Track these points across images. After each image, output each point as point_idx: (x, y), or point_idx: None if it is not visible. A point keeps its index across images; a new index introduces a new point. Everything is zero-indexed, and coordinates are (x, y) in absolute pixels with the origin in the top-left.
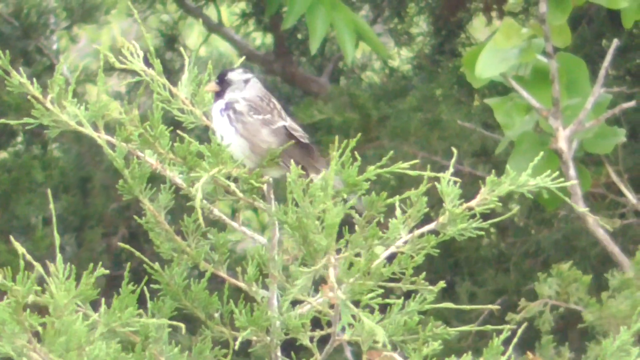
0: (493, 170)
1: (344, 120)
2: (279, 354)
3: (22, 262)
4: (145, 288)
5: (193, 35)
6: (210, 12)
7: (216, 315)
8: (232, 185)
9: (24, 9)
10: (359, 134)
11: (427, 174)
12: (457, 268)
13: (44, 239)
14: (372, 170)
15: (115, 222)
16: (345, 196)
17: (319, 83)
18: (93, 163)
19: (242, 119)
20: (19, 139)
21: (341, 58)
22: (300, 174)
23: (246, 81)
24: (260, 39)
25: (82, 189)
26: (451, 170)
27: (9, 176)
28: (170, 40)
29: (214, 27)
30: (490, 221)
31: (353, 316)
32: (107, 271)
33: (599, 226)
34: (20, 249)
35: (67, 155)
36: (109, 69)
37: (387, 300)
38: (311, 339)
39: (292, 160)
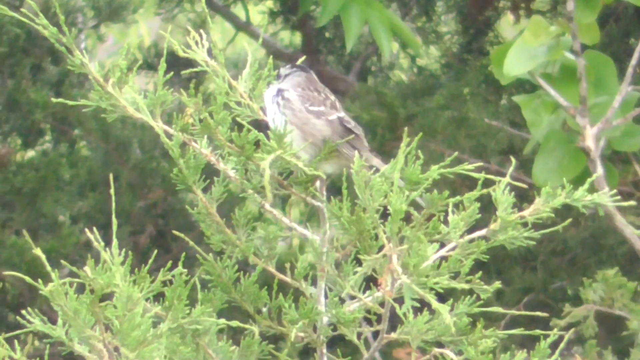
0: (521, 170)
1: (372, 118)
2: (324, 350)
3: (104, 254)
4: (197, 280)
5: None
6: (238, 10)
7: (264, 309)
8: (299, 164)
9: (52, 7)
10: (420, 134)
11: (483, 176)
12: (484, 266)
13: (70, 236)
14: (435, 170)
15: (142, 221)
16: (407, 192)
17: (347, 81)
18: (120, 161)
19: (290, 105)
20: (47, 137)
21: (369, 56)
22: (363, 165)
23: (289, 75)
24: (288, 38)
25: (109, 187)
26: (507, 179)
27: (36, 174)
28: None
29: (242, 26)
30: (542, 231)
31: (404, 314)
32: (185, 270)
33: (626, 224)
34: (98, 240)
35: (94, 154)
36: (138, 67)
37: (453, 284)
38: (358, 336)
39: (356, 152)
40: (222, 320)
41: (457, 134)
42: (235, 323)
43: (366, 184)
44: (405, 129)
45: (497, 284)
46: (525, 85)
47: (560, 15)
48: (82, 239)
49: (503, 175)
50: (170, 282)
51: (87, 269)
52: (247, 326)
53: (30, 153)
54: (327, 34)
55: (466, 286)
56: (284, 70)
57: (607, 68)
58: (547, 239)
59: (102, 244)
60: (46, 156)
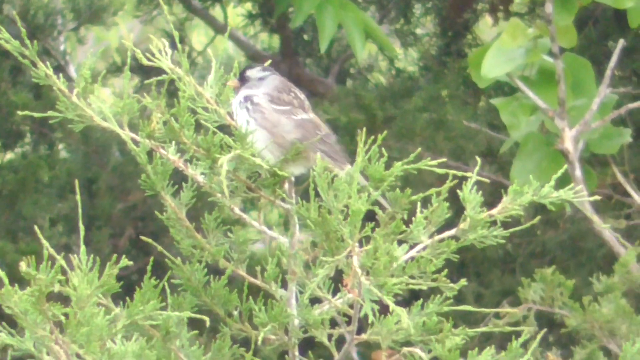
0: (499, 172)
1: (350, 120)
2: (296, 353)
3: (45, 252)
4: (166, 284)
5: (194, 36)
6: (217, 13)
7: (235, 312)
8: (257, 160)
9: (30, 10)
10: (385, 131)
11: (453, 172)
12: (463, 268)
13: (50, 239)
14: (398, 166)
15: (122, 223)
16: (370, 191)
17: (325, 84)
18: (100, 164)
19: (260, 109)
20: (26, 139)
21: (347, 59)
22: (325, 167)
23: (261, 79)
24: (267, 40)
25: (89, 189)
26: (475, 177)
27: (15, 176)
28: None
29: (220, 28)
30: (511, 229)
31: (374, 314)
32: (131, 262)
33: (605, 227)
34: (44, 241)
35: (74, 156)
36: (115, 70)
37: (412, 287)
38: (329, 338)
39: (318, 154)
40: (176, 314)
41: (436, 136)
42: (186, 314)
43: (329, 186)
44: (364, 129)
45: (463, 282)
46: (504, 88)
47: (538, 17)
48: (61, 241)
49: (482, 177)
50: (140, 285)
51: (22, 264)
52: (198, 316)
53: (10, 155)
54: (305, 37)
55: (432, 284)
56: (255, 73)
57: (585, 71)
58: (526, 242)
59: (47, 243)
60: (25, 158)
